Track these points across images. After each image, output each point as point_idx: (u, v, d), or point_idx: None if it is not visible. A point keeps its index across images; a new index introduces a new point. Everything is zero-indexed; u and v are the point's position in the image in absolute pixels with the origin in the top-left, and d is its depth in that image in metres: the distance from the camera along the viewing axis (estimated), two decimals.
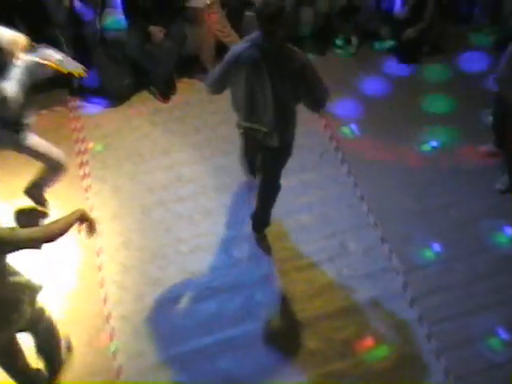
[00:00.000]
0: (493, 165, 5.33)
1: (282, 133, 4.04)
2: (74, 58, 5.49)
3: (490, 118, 5.29)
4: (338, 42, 6.61)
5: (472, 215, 5.01)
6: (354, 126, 5.70)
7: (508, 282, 4.59)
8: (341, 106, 5.87)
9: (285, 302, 4.46)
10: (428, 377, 4.13)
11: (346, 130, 5.68)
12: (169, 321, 4.34)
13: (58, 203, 4.91)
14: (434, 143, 5.57)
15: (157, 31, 5.67)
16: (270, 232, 4.81)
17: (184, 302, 4.45)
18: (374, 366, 4.15)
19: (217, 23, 5.89)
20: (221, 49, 6.02)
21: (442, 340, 4.27)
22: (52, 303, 4.32)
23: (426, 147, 5.55)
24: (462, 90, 6.08)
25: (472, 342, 4.28)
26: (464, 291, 4.53)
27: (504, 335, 4.31)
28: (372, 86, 6.16)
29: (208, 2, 5.78)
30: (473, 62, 6.38)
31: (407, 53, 6.44)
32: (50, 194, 4.89)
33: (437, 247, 4.79)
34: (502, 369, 4.15)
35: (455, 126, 5.71)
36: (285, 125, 4.03)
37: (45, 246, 3.09)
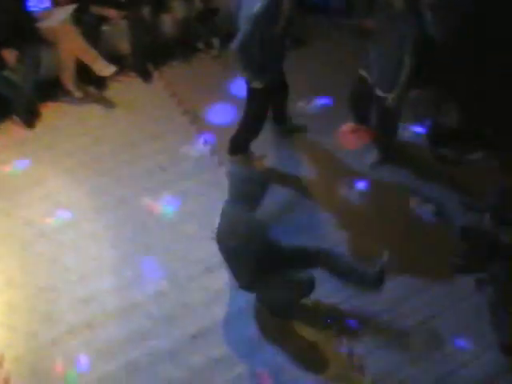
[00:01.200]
0: None
1: None
2: None
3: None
4: (200, 45, 6.62)
5: None
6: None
7: None
8: (213, 110, 5.90)
9: (183, 313, 4.39)
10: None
11: None
12: (66, 354, 4.16)
13: None
14: None
15: (8, 54, 5.45)
16: (157, 246, 4.77)
17: (80, 333, 4.28)
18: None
19: (73, 42, 5.74)
20: (81, 67, 5.92)
21: None
22: None
23: None
24: None
25: None
26: None
27: None
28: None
29: (60, 20, 5.61)
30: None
31: None
32: None
33: None
34: None
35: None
36: None
37: None
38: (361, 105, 5.43)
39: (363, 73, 5.14)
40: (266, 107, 5.11)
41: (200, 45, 6.64)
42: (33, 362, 4.12)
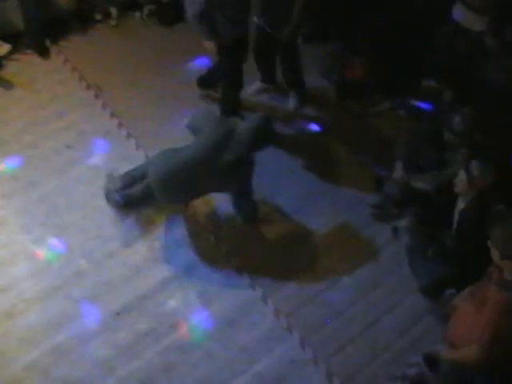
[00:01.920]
0: None
1: None
2: None
3: None
4: (97, 16, 6.41)
5: None
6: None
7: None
8: (116, 82, 5.78)
9: (105, 291, 4.33)
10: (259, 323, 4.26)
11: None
12: None
13: None
14: None
15: None
16: (70, 226, 4.68)
17: (0, 323, 4.16)
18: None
19: None
20: None
21: (264, 285, 4.43)
22: None
23: None
24: None
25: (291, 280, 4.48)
26: None
27: None
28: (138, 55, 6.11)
29: None
30: None
31: (169, 13, 6.41)
32: None
33: None
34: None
35: None
36: None
37: None
38: (265, 59, 5.50)
39: (258, 21, 5.17)
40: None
41: (97, 15, 6.42)
42: None
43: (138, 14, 6.52)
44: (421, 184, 4.55)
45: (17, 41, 5.92)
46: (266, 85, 5.74)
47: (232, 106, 5.30)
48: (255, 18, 5.16)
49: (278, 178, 5.06)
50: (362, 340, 4.21)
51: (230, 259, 4.56)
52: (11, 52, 5.77)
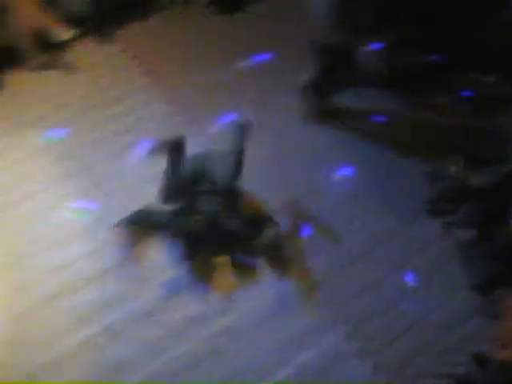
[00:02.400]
0: None
1: None
2: None
3: None
4: (162, 2, 6.45)
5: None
6: None
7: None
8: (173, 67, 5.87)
9: (159, 271, 4.43)
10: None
11: None
12: (45, 323, 4.19)
13: None
14: None
15: None
16: (129, 209, 4.71)
17: (57, 300, 4.30)
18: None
19: (28, 7, 5.62)
20: (39, 32, 5.79)
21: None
22: None
23: None
24: None
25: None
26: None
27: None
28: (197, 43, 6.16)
29: None
30: None
31: (229, 3, 6.44)
32: None
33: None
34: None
35: None
36: None
37: None
38: None
39: None
40: None
41: (162, 2, 6.51)
42: (9, 335, 4.13)
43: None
44: (478, 179, 4.49)
45: (81, 26, 6.04)
46: None
47: None
48: None
49: None
50: (410, 336, 4.21)
51: None
52: (75, 37, 5.90)
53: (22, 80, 5.75)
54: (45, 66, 5.86)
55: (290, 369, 4.05)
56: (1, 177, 4.99)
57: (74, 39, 5.94)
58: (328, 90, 5.38)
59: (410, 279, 4.45)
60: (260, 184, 4.76)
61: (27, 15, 5.64)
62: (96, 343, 4.12)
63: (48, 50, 5.95)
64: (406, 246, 4.66)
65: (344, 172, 5.06)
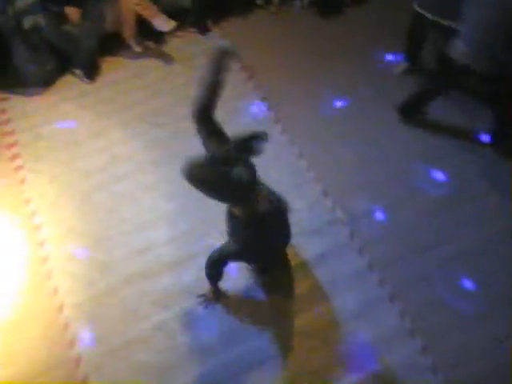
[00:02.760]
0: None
1: None
2: None
3: None
4: (259, 1, 6.55)
5: (410, 159, 5.11)
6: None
7: (450, 220, 4.71)
8: (266, 66, 5.88)
9: (237, 267, 4.42)
10: (383, 322, 4.20)
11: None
12: (123, 303, 4.29)
13: None
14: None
15: (73, 12, 5.53)
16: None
17: (136, 282, 4.40)
18: (332, 317, 4.21)
19: None
20: (141, 22, 5.94)
21: (394, 284, 4.35)
22: (0, 302, 4.27)
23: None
24: None
25: (423, 280, 4.38)
26: (408, 234, 4.62)
27: (449, 272, 4.43)
28: (295, 43, 6.16)
29: None
30: None
31: (329, 5, 6.44)
32: None
33: (377, 196, 4.87)
34: (452, 305, 4.27)
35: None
36: None
37: None
38: (415, 43, 5.57)
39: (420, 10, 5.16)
40: None
41: (259, 1, 6.56)
42: (91, 310, 4.27)
43: (298, 2, 6.57)
44: None
45: (181, 18, 6.15)
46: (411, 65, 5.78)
47: None
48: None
49: None
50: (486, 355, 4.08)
51: (363, 253, 4.53)
52: (175, 29, 6.00)
53: (121, 67, 5.94)
54: (144, 55, 6.01)
55: (362, 375, 3.99)
56: (99, 157, 5.16)
57: (174, 31, 6.03)
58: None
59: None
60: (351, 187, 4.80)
61: (132, 4, 5.76)
62: (169, 328, 4.18)
63: (149, 39, 6.11)
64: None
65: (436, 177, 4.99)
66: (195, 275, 4.38)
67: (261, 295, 4.32)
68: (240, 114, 5.39)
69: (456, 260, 4.48)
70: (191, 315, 4.23)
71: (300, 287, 4.35)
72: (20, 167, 5.10)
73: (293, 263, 4.44)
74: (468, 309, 4.24)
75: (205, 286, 4.25)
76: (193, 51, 6.04)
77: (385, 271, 4.42)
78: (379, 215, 4.75)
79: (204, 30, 6.26)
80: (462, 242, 4.59)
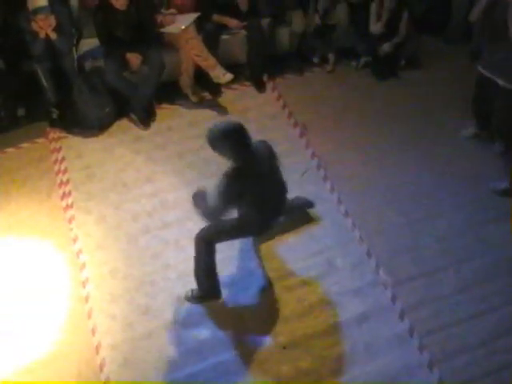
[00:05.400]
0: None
1: None
2: (54, 90, 5.62)
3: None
4: (315, 60, 6.67)
5: (456, 225, 5.06)
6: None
7: (494, 290, 4.62)
8: (319, 124, 5.95)
9: (275, 323, 4.42)
10: None
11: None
12: (160, 348, 4.29)
13: (41, 236, 4.94)
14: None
15: (134, 58, 5.73)
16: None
17: (174, 329, 4.41)
18: (368, 382, 4.12)
19: (194, 48, 5.91)
20: (199, 73, 6.09)
21: (434, 351, 4.26)
22: (40, 338, 4.32)
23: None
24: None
25: (464, 351, 4.27)
26: (453, 301, 4.55)
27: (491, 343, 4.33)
28: (350, 102, 6.23)
29: (183, 27, 5.81)
30: None
31: (384, 68, 6.52)
32: (33, 227, 4.96)
33: (423, 258, 4.82)
34: (494, 374, 4.16)
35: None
36: None
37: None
38: (482, 107, 5.50)
39: (486, 72, 5.18)
40: None
41: (315, 59, 6.69)
42: (127, 352, 4.28)
43: (353, 63, 6.67)
44: None
45: (238, 72, 6.28)
46: (480, 131, 5.72)
47: None
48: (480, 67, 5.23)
49: None
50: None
51: (403, 317, 4.46)
52: (231, 81, 6.13)
53: (176, 115, 6.10)
54: (200, 105, 6.14)
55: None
56: (148, 201, 5.26)
57: (230, 83, 6.17)
58: None
59: None
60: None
61: (192, 54, 5.93)
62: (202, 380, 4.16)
63: (205, 90, 6.25)
64: None
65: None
66: (234, 327, 4.40)
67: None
68: (290, 170, 5.41)
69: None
70: (226, 367, 4.19)
71: (337, 346, 4.30)
72: (70, 206, 5.22)
73: (332, 321, 4.42)
74: None
75: (244, 337, 4.29)
76: (247, 104, 6.17)
77: (425, 338, 4.34)
78: (424, 279, 4.68)
79: (259, 84, 6.37)
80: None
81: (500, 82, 5.06)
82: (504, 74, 5.02)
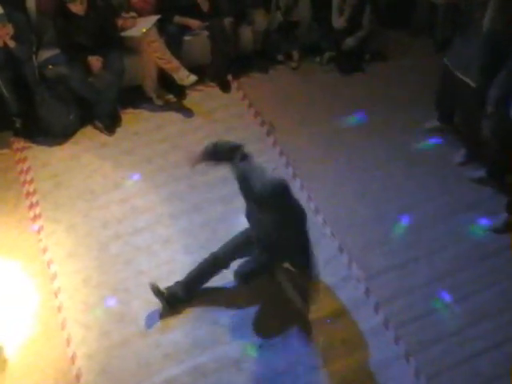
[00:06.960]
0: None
1: None
2: (15, 99, 5.53)
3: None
4: (279, 57, 6.68)
5: (427, 216, 5.11)
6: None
7: (466, 278, 4.68)
8: (288, 119, 5.96)
9: (251, 323, 4.42)
10: (400, 380, 4.13)
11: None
12: (136, 355, 4.25)
13: (10, 247, 4.87)
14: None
15: (94, 60, 5.66)
16: None
17: (150, 335, 4.37)
18: (347, 376, 4.14)
19: (156, 51, 5.87)
20: (163, 76, 6.06)
21: (410, 342, 4.30)
22: (13, 351, 4.25)
23: None
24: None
25: (439, 340, 4.32)
26: (426, 291, 4.60)
27: (470, 330, 4.38)
28: (316, 99, 6.26)
29: (144, 30, 5.77)
30: None
31: (349, 62, 6.55)
32: (0, 239, 4.89)
33: (394, 251, 4.86)
34: (470, 362, 4.21)
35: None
36: None
37: None
38: (447, 102, 5.54)
39: (451, 66, 5.22)
40: None
41: (279, 57, 6.70)
42: (103, 361, 4.22)
43: (318, 59, 6.70)
44: None
45: (202, 73, 6.25)
46: (443, 124, 5.77)
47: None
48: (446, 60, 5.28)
49: None
50: None
51: (378, 309, 4.50)
52: (196, 83, 6.10)
53: (142, 119, 6.05)
54: (165, 108, 6.11)
55: None
56: (117, 208, 5.21)
57: (194, 85, 6.14)
58: None
59: None
60: None
61: (154, 58, 5.89)
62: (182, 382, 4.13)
63: (170, 93, 6.22)
64: None
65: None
66: (208, 330, 4.38)
67: None
68: None
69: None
70: (202, 371, 4.16)
71: (315, 343, 4.31)
72: (38, 216, 5.14)
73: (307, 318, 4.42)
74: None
75: (219, 339, 4.28)
76: (212, 105, 6.16)
77: (400, 329, 4.37)
78: (397, 271, 4.72)
79: (224, 84, 6.36)
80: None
81: (465, 78, 5.10)
82: (470, 71, 5.04)
